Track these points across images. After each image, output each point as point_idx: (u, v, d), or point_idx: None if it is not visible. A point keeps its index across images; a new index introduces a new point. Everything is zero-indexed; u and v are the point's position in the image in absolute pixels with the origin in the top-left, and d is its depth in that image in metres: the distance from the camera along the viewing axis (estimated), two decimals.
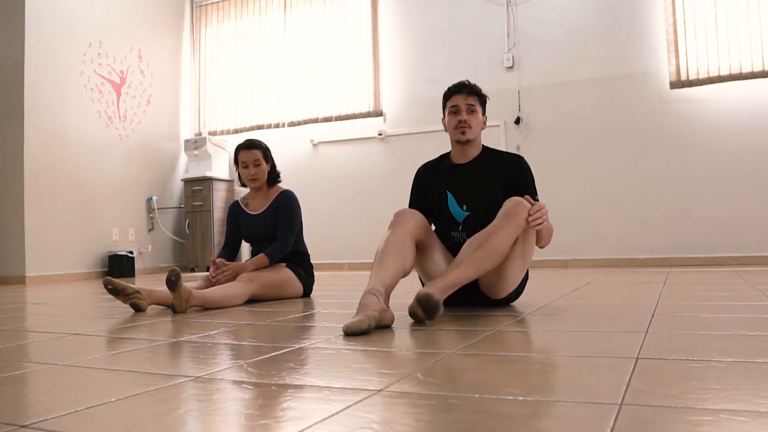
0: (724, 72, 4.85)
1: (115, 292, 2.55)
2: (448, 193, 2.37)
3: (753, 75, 4.76)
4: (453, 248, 2.34)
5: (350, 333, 1.76)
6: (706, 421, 0.87)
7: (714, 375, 1.14)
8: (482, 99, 2.41)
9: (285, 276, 2.97)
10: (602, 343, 1.52)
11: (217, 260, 2.91)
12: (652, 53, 5.10)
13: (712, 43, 4.90)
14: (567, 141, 5.34)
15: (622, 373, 1.18)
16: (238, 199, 3.21)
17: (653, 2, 5.10)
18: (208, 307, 2.61)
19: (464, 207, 2.35)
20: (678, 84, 4.98)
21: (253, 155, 3.04)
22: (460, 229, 2.35)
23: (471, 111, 2.35)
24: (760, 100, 4.78)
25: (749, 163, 4.80)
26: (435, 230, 2.43)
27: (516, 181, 2.33)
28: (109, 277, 2.60)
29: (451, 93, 2.39)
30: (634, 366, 1.23)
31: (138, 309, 2.58)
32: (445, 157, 2.48)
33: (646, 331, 1.65)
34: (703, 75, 4.92)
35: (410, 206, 2.47)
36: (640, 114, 5.13)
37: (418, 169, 2.53)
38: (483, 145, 2.45)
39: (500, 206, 2.21)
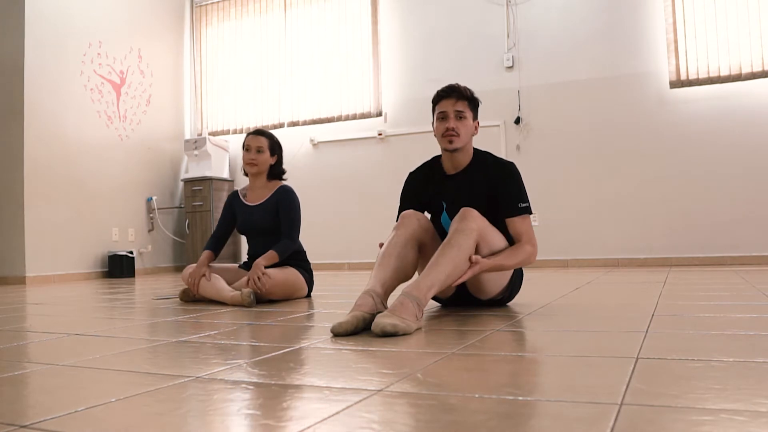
0: (724, 72, 4.85)
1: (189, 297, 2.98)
2: (443, 204, 2.33)
3: (753, 75, 4.76)
4: None
5: (337, 333, 1.76)
6: (706, 421, 0.87)
7: (714, 375, 1.14)
8: (473, 103, 2.28)
9: (297, 278, 2.98)
10: (602, 343, 1.52)
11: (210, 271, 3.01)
12: (652, 53, 5.10)
13: (712, 43, 4.90)
14: (567, 141, 5.34)
15: (622, 373, 1.18)
16: (238, 189, 3.21)
17: (653, 2, 5.10)
18: (216, 301, 2.85)
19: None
20: (678, 84, 4.98)
21: (257, 141, 3.04)
22: None
23: (459, 117, 2.23)
24: (760, 100, 4.78)
25: (749, 163, 4.80)
26: None
27: (496, 188, 2.23)
28: (185, 291, 2.99)
29: (439, 97, 2.27)
30: (634, 366, 1.23)
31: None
32: (436, 162, 2.38)
33: (646, 331, 1.65)
34: (703, 75, 4.92)
35: (402, 211, 2.39)
36: (640, 114, 5.13)
37: (410, 176, 2.43)
38: (475, 150, 2.34)
39: (490, 217, 2.16)
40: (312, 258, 3.23)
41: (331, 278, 4.60)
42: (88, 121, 5.74)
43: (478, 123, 2.32)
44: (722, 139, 4.88)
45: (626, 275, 3.94)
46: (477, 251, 2.05)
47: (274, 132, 6.34)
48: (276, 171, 3.12)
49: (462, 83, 2.36)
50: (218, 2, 6.84)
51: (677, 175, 5.01)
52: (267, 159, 3.05)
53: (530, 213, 2.21)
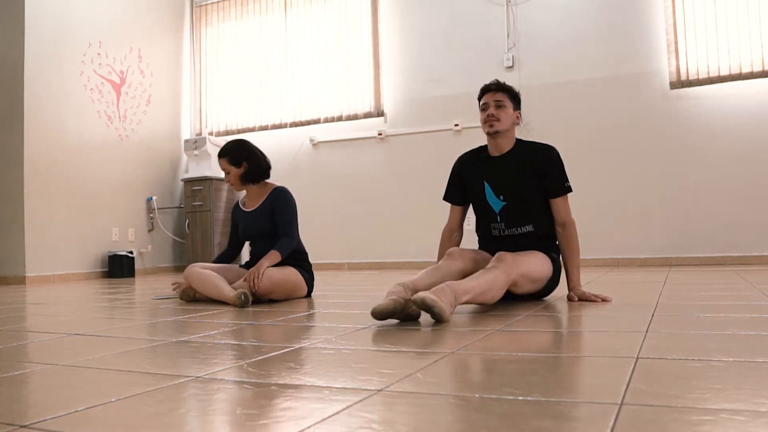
0: (724, 72, 4.85)
1: (189, 297, 3.01)
2: (485, 183, 2.50)
3: (753, 75, 4.76)
4: (494, 242, 2.49)
5: (376, 315, 1.88)
6: (706, 421, 0.87)
7: (714, 375, 1.14)
8: (512, 95, 2.52)
9: (297, 278, 2.99)
10: (602, 343, 1.52)
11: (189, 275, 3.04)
12: (652, 53, 5.10)
13: (712, 43, 4.90)
14: (567, 141, 5.33)
15: (622, 373, 1.18)
16: (239, 199, 3.26)
17: (653, 2, 5.10)
18: (215, 299, 2.86)
19: (501, 197, 2.47)
20: (678, 84, 4.98)
21: (221, 165, 3.12)
22: (498, 219, 2.48)
23: (499, 106, 2.46)
24: (760, 100, 4.78)
25: (749, 163, 4.80)
26: (476, 225, 2.59)
27: (544, 168, 2.45)
28: (185, 291, 2.99)
29: (482, 92, 2.53)
30: (634, 366, 1.24)
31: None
32: (483, 149, 2.60)
33: (646, 331, 1.65)
34: (703, 75, 4.92)
35: (446, 194, 2.64)
36: (641, 114, 5.13)
37: (457, 159, 2.65)
38: (517, 139, 2.55)
39: (534, 195, 2.41)
40: (312, 258, 3.24)
41: (331, 278, 4.60)
42: (88, 121, 5.74)
43: (519, 113, 2.55)
44: (722, 139, 4.88)
45: (626, 275, 3.94)
46: (517, 286, 2.25)
47: (274, 132, 6.38)
48: (253, 175, 3.08)
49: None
50: (218, 2, 6.84)
51: (677, 175, 5.01)
52: (236, 173, 3.08)
53: (571, 191, 2.47)
